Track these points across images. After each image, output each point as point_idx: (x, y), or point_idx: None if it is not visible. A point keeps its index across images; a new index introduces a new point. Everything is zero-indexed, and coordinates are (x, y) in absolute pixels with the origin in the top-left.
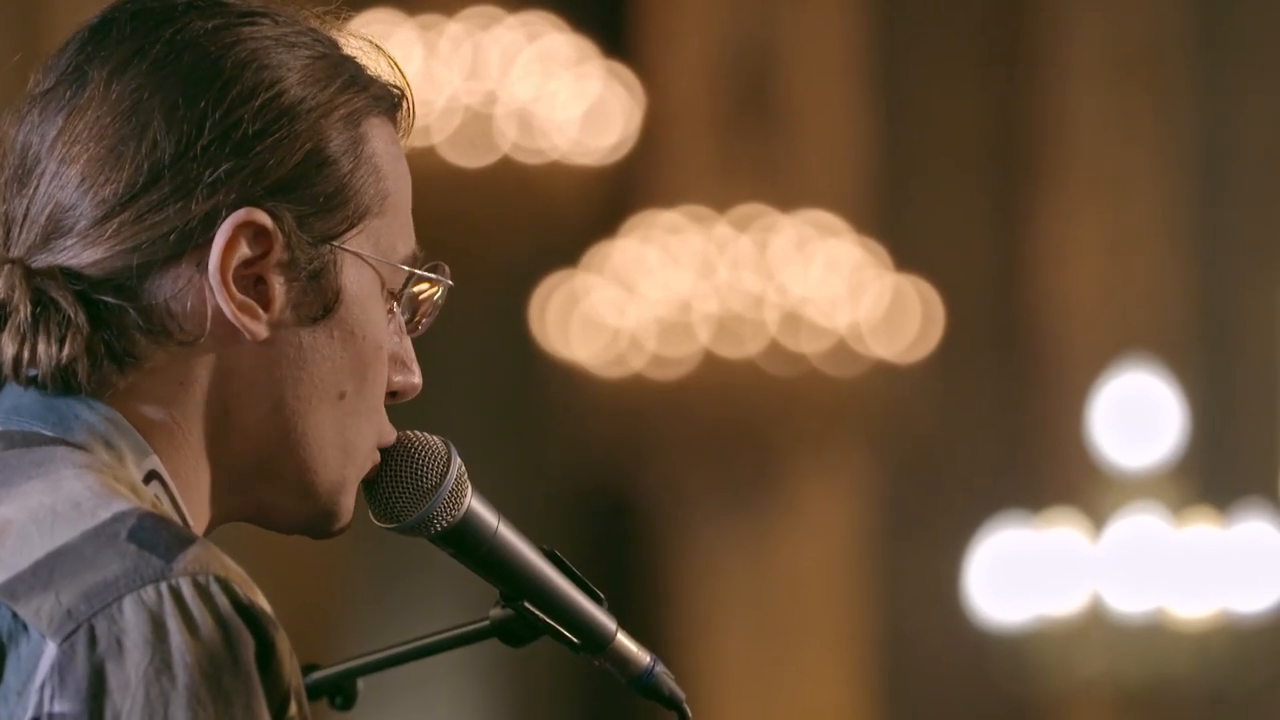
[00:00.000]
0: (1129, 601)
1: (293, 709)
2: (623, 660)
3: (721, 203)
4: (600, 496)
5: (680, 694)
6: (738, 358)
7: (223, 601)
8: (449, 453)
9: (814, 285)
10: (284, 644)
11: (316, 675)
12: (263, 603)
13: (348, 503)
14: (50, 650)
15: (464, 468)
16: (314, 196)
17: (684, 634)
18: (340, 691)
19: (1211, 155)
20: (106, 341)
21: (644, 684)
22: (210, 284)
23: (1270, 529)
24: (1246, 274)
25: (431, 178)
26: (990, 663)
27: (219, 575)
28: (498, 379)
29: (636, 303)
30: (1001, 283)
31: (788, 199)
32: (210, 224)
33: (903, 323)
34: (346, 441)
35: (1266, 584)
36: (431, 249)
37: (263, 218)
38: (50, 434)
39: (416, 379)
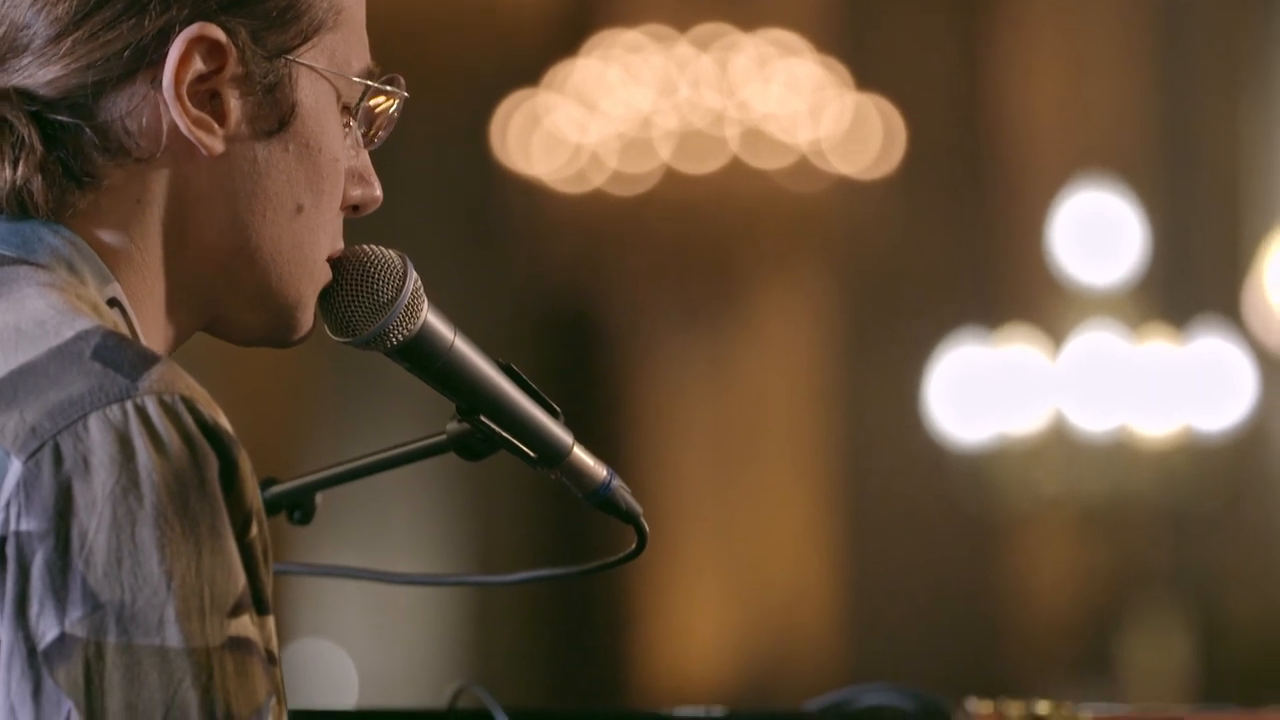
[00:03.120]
0: (1090, 419)
1: (254, 530)
2: (579, 474)
3: (682, 22)
4: (559, 314)
5: (637, 508)
6: (698, 174)
7: (188, 421)
8: (405, 267)
9: (775, 103)
10: (246, 464)
11: (275, 490)
12: (225, 423)
13: (306, 315)
14: (15, 467)
15: (420, 282)
16: (267, 11)
17: (643, 452)
18: (299, 506)
19: None
20: (63, 161)
21: (601, 498)
22: (165, 100)
23: (1229, 347)
24: (1208, 92)
25: None
26: (951, 481)
27: (184, 395)
28: (457, 196)
29: (598, 120)
30: (963, 101)
31: (749, 18)
32: (164, 40)
33: (864, 141)
34: (304, 255)
35: (1228, 402)
36: (390, 68)
37: (216, 32)
38: (12, 255)
39: (377, 192)
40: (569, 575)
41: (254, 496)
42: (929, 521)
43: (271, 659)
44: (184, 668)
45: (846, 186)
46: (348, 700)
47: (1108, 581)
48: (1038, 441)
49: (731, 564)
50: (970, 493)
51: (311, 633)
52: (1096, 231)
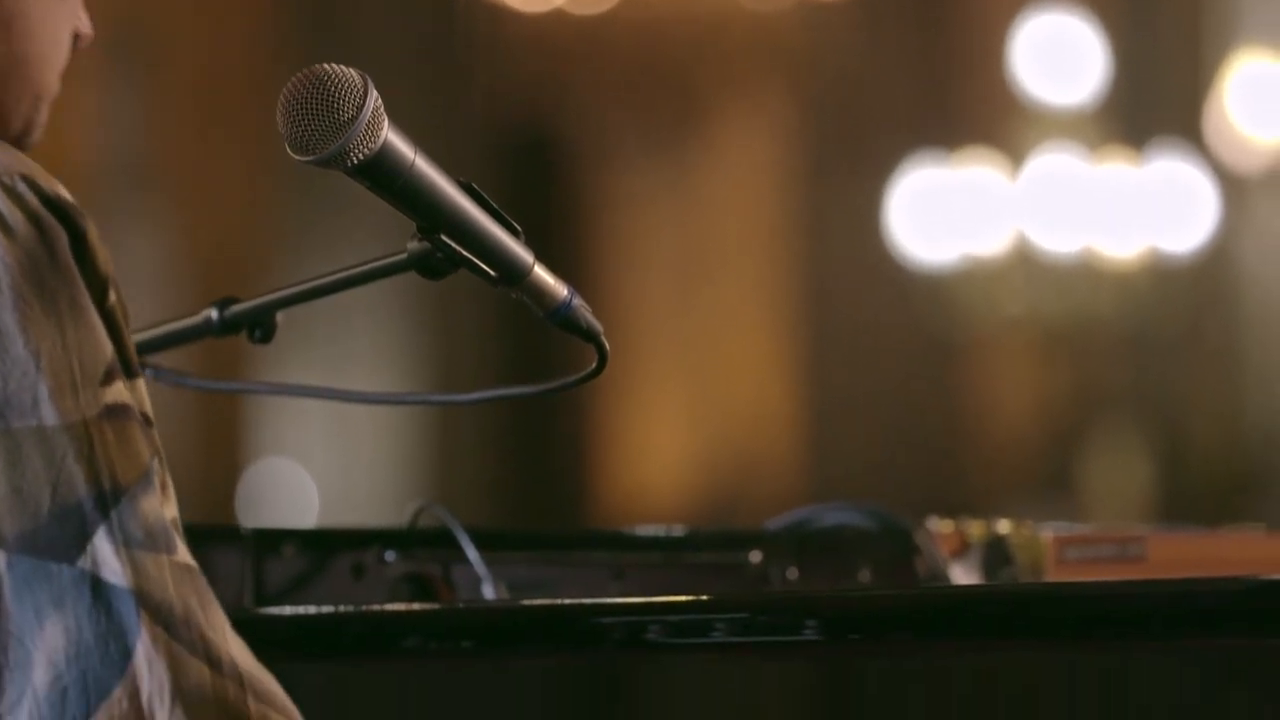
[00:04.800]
0: (1052, 241)
1: (112, 296)
2: (540, 293)
3: None
4: (520, 134)
5: (598, 326)
6: None
7: (31, 199)
8: (365, 86)
9: None
10: (94, 231)
11: (235, 309)
12: (66, 194)
13: (38, 120)
14: None
15: (380, 101)
16: None
17: (604, 274)
18: (259, 325)
19: None
20: None
21: (561, 316)
22: None
23: (1191, 169)
24: None
25: None
26: (913, 303)
27: (23, 173)
28: (416, 14)
29: None
30: None
31: None
32: None
33: None
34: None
35: (1190, 224)
36: None
37: None
38: None
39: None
40: (529, 394)
41: (107, 263)
42: (890, 343)
43: (148, 421)
44: (64, 443)
45: (807, 6)
46: (308, 519)
47: (1070, 403)
48: (999, 263)
49: (693, 385)
50: (932, 314)
51: (272, 452)
52: (1057, 52)
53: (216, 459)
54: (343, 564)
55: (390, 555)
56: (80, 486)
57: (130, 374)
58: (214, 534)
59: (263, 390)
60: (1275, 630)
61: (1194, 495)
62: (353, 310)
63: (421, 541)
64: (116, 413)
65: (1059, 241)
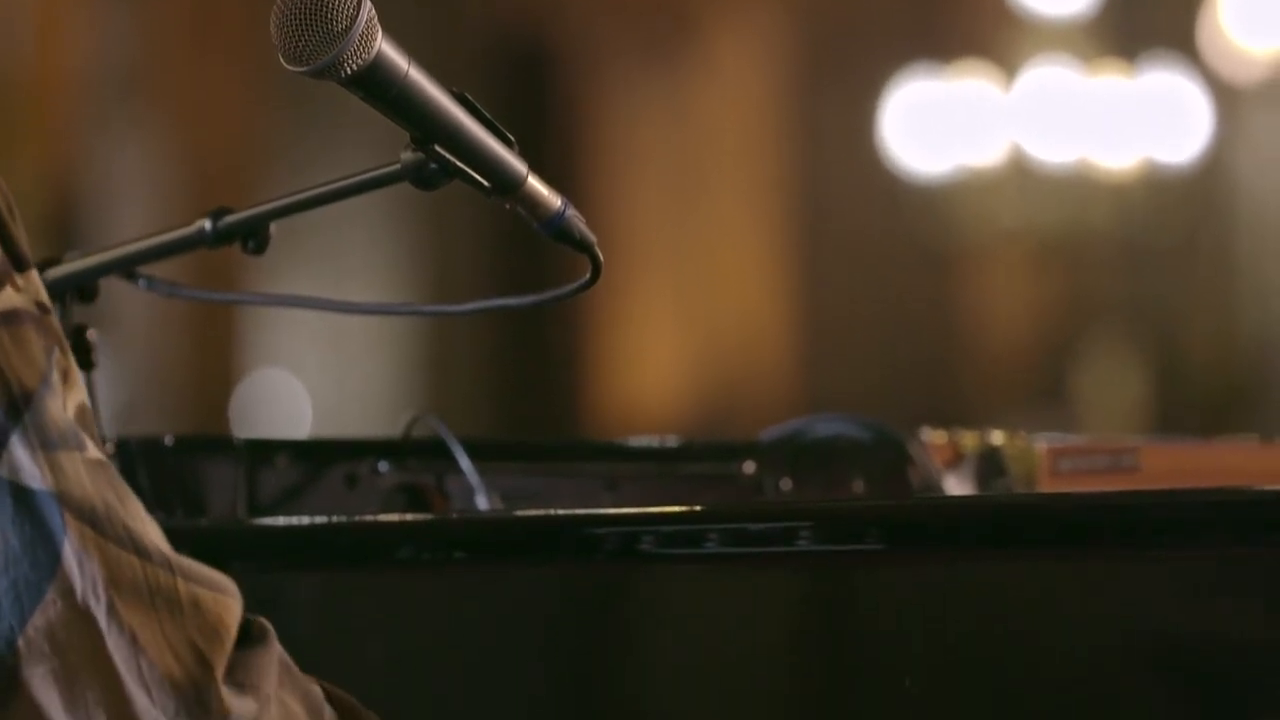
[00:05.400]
0: (1047, 152)
1: None
2: (533, 203)
3: None
4: (514, 47)
5: (591, 237)
6: None
7: None
8: None
9: None
10: None
11: (229, 219)
12: None
13: None
14: None
15: (374, 11)
16: None
17: (598, 186)
18: (253, 235)
19: None
20: None
21: (555, 227)
22: None
23: (1185, 80)
24: None
25: None
26: (908, 215)
27: None
28: None
29: None
30: None
31: None
32: None
33: None
34: None
35: (1185, 135)
36: None
37: None
38: None
39: None
40: (523, 304)
41: None
42: (885, 255)
43: (43, 309)
44: None
45: None
46: (302, 431)
47: (1064, 314)
48: (994, 175)
49: (687, 297)
50: (926, 226)
51: (266, 363)
52: None
53: (210, 370)
54: (336, 475)
55: (384, 466)
56: None
57: (22, 266)
58: (208, 445)
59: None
60: (1269, 540)
61: (1188, 406)
62: (347, 222)
63: (415, 452)
64: (9, 319)
65: (1053, 153)
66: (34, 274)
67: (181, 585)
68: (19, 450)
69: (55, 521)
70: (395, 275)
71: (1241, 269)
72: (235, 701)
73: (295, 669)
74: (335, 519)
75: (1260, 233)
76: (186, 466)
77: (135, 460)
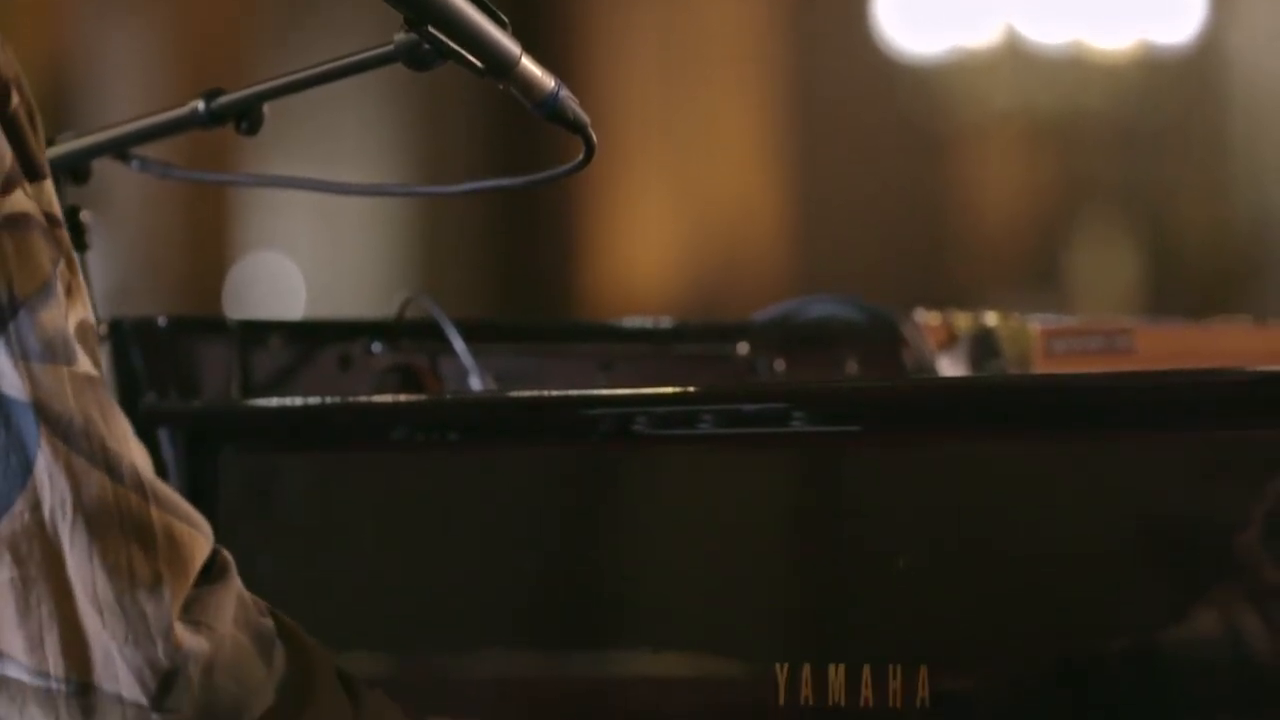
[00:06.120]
0: (1042, 32)
1: (14, 99)
2: (527, 84)
3: None
4: None
5: (585, 118)
6: None
7: None
8: None
9: None
10: None
11: (223, 99)
12: None
13: None
14: None
15: None
16: None
17: (591, 69)
18: (246, 116)
19: None
20: None
21: (549, 108)
22: None
23: None
24: None
25: None
26: (901, 96)
27: None
28: None
29: None
30: None
31: None
32: None
33: None
34: None
35: (1182, 17)
36: None
37: None
38: None
39: None
40: (516, 185)
41: (6, 64)
42: (878, 135)
43: (54, 222)
44: None
45: None
46: (295, 311)
47: (1058, 195)
48: (988, 55)
49: (680, 178)
50: (920, 107)
51: (260, 245)
52: None
53: (203, 252)
54: (329, 356)
55: (377, 347)
56: None
57: (35, 176)
58: (201, 326)
59: (249, 182)
60: (1262, 422)
61: (1182, 288)
62: (340, 104)
63: (408, 333)
64: (15, 223)
65: (1048, 34)
66: (48, 184)
67: (155, 513)
68: (1, 357)
69: (30, 433)
70: (388, 157)
71: (1236, 151)
72: (188, 638)
73: (250, 604)
74: (329, 400)
75: (1255, 114)
76: (180, 348)
77: (128, 341)
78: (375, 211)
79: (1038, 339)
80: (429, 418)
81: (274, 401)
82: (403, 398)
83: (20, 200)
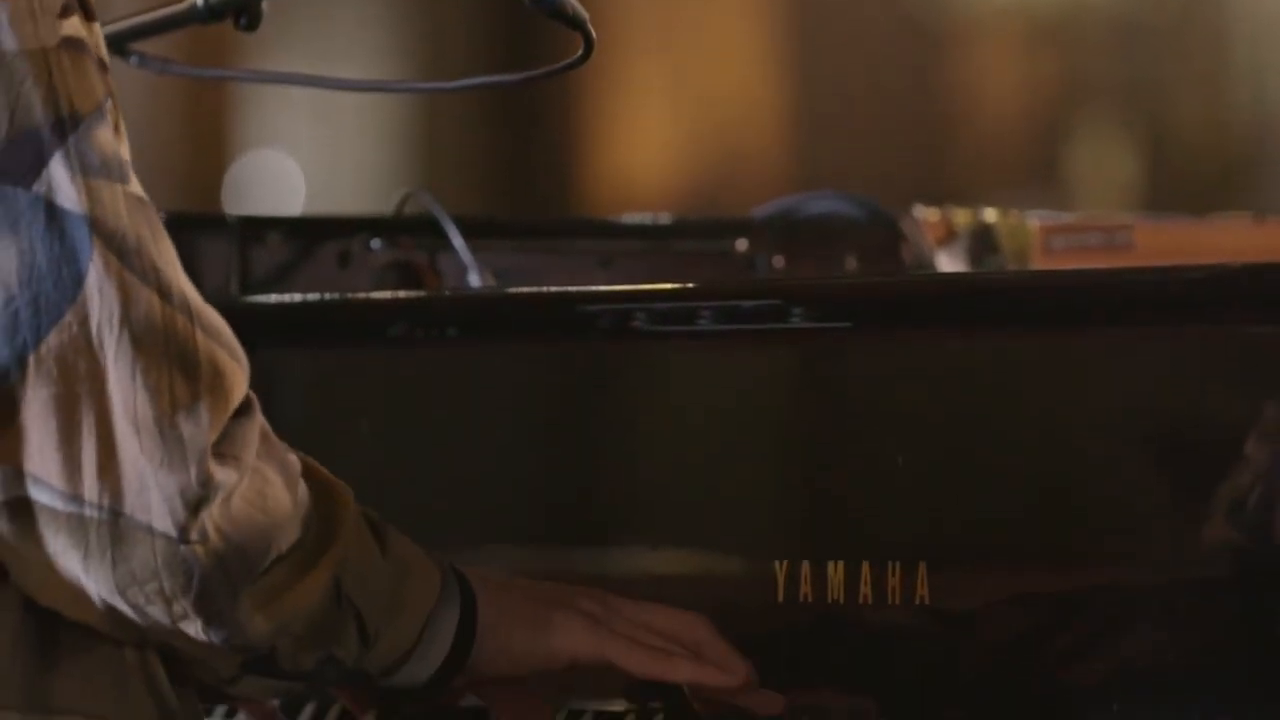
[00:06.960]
0: None
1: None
2: None
3: None
4: None
5: (583, 13)
6: None
7: None
8: None
9: None
10: None
11: None
12: None
13: None
14: None
15: None
16: None
17: None
18: (245, 11)
19: None
20: None
21: (548, 2)
22: None
23: None
24: None
25: None
26: None
27: None
28: None
29: None
30: None
31: None
32: None
33: None
34: None
35: None
36: None
37: None
38: None
39: None
40: (515, 81)
41: None
42: (877, 31)
43: (103, 65)
44: (23, 69)
45: None
46: (294, 208)
47: (1057, 92)
48: None
49: (679, 73)
50: (919, 2)
51: (258, 142)
52: None
53: (202, 149)
54: (328, 252)
55: (376, 243)
56: (38, 112)
57: (89, 16)
58: (200, 222)
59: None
60: (1260, 316)
61: (1181, 184)
62: (339, 1)
63: (407, 229)
64: (73, 44)
65: None
66: (98, 28)
67: (200, 338)
68: (59, 170)
69: (84, 246)
70: (388, 53)
71: (1237, 47)
72: (218, 470)
73: (274, 439)
74: (327, 296)
75: (1255, 11)
76: (179, 244)
77: None
78: (374, 108)
79: (1036, 235)
80: (428, 314)
81: (273, 298)
82: (401, 294)
83: (77, 26)
